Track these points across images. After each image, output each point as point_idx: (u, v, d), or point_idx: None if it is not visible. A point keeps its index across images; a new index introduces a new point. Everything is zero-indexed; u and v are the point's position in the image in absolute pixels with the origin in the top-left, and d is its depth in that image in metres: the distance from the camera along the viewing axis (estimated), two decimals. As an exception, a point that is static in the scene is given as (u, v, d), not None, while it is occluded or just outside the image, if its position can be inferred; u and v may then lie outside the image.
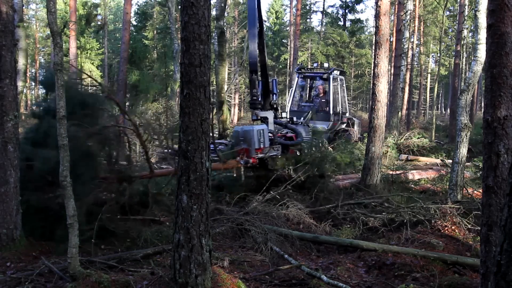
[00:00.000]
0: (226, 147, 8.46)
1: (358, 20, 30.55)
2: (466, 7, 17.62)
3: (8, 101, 4.53)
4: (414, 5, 23.38)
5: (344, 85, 15.56)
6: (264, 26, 7.89)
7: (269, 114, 7.26)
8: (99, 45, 32.68)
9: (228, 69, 28.24)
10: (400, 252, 4.71)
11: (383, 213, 6.14)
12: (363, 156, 8.91)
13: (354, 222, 6.02)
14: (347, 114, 15.50)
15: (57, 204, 4.58)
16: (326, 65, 14.81)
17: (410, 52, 25.79)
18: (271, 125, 7.19)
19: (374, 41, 8.86)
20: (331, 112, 13.70)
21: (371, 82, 9.24)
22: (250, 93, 7.27)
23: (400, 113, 19.11)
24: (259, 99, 7.29)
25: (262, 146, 6.47)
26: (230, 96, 31.58)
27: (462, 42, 18.57)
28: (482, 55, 6.11)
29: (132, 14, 24.75)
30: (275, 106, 7.77)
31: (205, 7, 3.34)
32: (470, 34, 24.18)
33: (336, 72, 14.64)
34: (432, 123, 17.60)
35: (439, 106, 45.97)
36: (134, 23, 27.10)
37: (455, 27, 23.53)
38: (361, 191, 7.55)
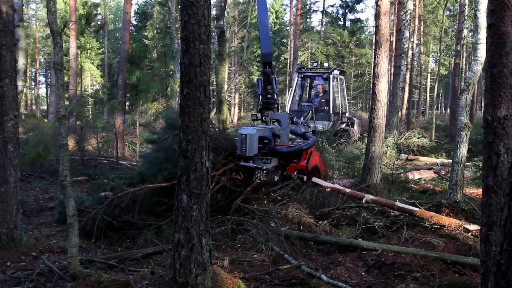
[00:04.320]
0: None
1: (358, 20, 30.54)
2: (466, 6, 17.61)
3: (8, 100, 4.54)
4: (414, 4, 23.36)
5: (344, 84, 15.58)
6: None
7: (284, 117, 6.04)
8: (99, 45, 32.68)
9: (228, 69, 28.22)
10: (400, 252, 4.72)
11: (384, 214, 6.14)
12: (363, 156, 8.91)
13: (354, 222, 6.02)
14: (347, 114, 15.51)
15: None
16: (326, 64, 14.82)
17: (410, 52, 25.78)
18: (285, 130, 5.96)
19: (374, 41, 8.86)
20: (331, 111, 13.71)
21: (371, 82, 9.23)
22: (264, 90, 6.04)
23: (400, 112, 19.11)
24: (275, 98, 6.08)
25: (244, 154, 5.50)
26: (230, 96, 31.57)
27: (462, 42, 18.55)
28: (482, 54, 6.10)
29: (132, 14, 24.80)
30: (275, 106, 7.43)
31: (205, 7, 3.34)
32: (470, 34, 24.16)
33: (336, 72, 14.65)
34: (432, 122, 17.61)
35: (439, 106, 45.96)
36: (134, 22, 27.13)
37: (455, 26, 23.51)
38: (361, 191, 7.54)
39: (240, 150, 5.47)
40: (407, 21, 19.74)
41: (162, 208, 5.47)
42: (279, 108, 7.38)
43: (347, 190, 6.31)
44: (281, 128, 5.96)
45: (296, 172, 5.56)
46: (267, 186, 6.10)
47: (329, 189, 6.21)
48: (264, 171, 5.42)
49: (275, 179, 5.60)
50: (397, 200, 5.93)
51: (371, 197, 5.98)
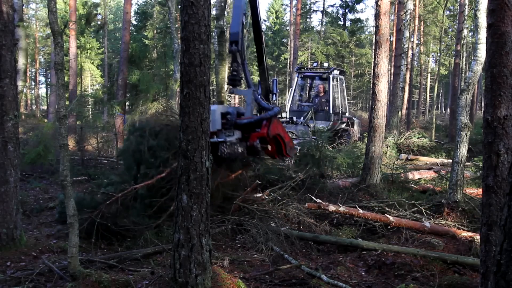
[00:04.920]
0: None
1: (358, 20, 30.50)
2: (466, 6, 17.61)
3: (8, 100, 4.54)
4: (414, 4, 23.36)
5: (344, 84, 15.57)
6: (263, 25, 7.31)
7: (248, 93, 6.25)
8: (99, 45, 32.67)
9: (228, 69, 28.16)
10: (400, 252, 4.72)
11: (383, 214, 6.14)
12: (363, 155, 8.90)
13: (354, 222, 6.02)
14: (347, 114, 15.51)
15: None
16: (326, 64, 14.80)
17: (410, 52, 25.77)
18: (249, 106, 6.13)
19: (374, 41, 8.85)
20: (331, 111, 13.70)
21: (371, 82, 9.23)
22: (231, 67, 6.20)
23: (400, 112, 19.11)
24: (240, 75, 6.22)
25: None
26: (230, 96, 31.55)
27: (462, 42, 18.54)
28: (482, 54, 6.11)
29: (132, 14, 24.76)
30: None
31: (205, 7, 3.34)
32: (470, 34, 24.16)
33: (336, 72, 14.64)
34: (432, 122, 17.61)
35: (439, 105, 45.96)
36: (134, 22, 27.10)
37: (455, 26, 23.51)
38: (361, 191, 7.55)
39: None
40: (407, 21, 19.74)
41: (154, 210, 5.44)
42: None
43: (341, 208, 6.12)
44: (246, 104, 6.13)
45: (258, 140, 5.61)
46: (232, 158, 6.02)
47: (330, 208, 6.16)
48: (228, 143, 5.46)
49: (239, 151, 5.62)
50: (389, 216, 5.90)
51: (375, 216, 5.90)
